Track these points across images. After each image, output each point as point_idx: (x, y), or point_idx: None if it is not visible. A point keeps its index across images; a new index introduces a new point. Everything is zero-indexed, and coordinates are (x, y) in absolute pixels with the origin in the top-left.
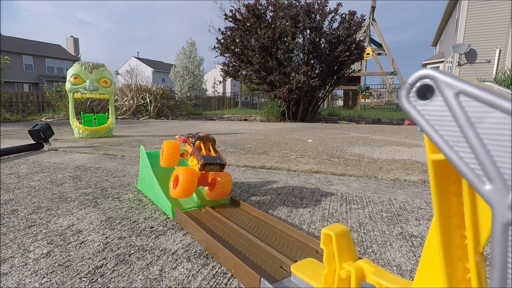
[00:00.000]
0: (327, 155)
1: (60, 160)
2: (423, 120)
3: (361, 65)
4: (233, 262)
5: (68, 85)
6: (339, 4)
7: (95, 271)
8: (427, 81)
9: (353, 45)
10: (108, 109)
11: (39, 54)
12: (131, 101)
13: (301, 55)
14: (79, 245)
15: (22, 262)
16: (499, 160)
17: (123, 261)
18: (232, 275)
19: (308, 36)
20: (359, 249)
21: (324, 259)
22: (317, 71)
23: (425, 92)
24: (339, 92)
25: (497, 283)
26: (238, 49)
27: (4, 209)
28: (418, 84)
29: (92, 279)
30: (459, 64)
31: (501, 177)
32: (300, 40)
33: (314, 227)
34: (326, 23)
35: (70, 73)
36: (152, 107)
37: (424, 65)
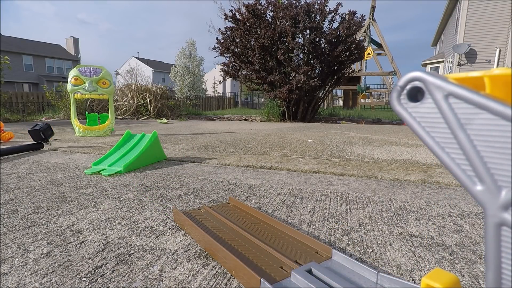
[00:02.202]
0: (327, 155)
1: (60, 160)
2: (414, 122)
3: (361, 65)
4: (233, 263)
5: (69, 86)
6: (339, 4)
7: (95, 271)
8: (417, 83)
9: (353, 45)
10: (108, 109)
11: (39, 54)
12: (131, 101)
13: (301, 55)
14: (79, 245)
15: (22, 262)
16: (490, 161)
17: (123, 261)
18: (232, 275)
19: (308, 36)
20: (359, 249)
21: None
22: (317, 71)
23: (416, 94)
24: (339, 92)
25: (492, 283)
26: (238, 49)
27: (4, 209)
28: (408, 87)
29: (92, 279)
30: (459, 64)
31: (491, 177)
32: (300, 40)
33: (314, 227)
34: (326, 23)
35: (71, 74)
36: (152, 107)
37: (424, 65)
